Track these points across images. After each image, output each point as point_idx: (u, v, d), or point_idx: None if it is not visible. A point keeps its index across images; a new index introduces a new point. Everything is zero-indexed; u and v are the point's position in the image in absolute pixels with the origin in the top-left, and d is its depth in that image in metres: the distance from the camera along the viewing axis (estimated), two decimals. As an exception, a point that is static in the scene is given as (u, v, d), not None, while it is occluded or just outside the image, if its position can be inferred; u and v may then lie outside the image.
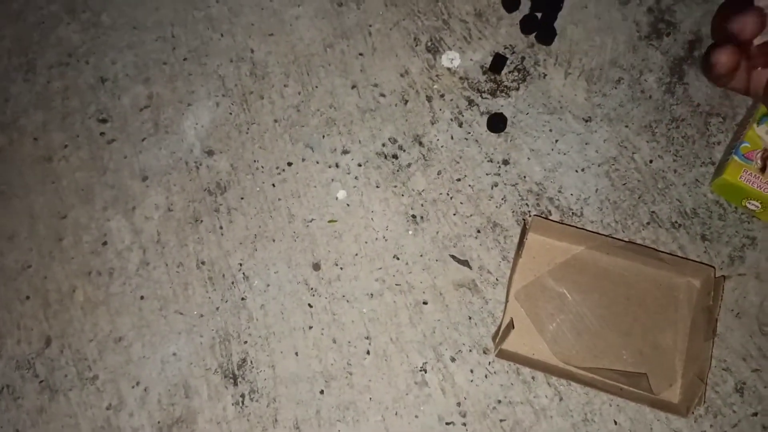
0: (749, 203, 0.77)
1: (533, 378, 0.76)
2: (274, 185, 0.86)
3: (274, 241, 0.83)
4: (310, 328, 0.79)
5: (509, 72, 0.89)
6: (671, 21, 0.91)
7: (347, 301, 0.80)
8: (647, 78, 0.88)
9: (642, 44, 0.90)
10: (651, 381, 0.73)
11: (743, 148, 0.77)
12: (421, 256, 0.82)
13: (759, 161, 0.77)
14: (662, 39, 0.90)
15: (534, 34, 0.91)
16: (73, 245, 0.85)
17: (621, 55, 0.89)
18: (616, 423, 0.74)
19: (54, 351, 0.80)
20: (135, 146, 0.89)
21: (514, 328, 0.73)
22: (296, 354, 0.79)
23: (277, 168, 0.87)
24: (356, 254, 0.82)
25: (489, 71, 0.87)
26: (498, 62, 0.87)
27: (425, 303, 0.80)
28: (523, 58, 0.90)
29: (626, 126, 0.86)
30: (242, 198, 0.85)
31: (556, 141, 0.86)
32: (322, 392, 0.77)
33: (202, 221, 0.85)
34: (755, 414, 0.74)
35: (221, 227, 0.84)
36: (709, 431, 0.74)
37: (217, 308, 0.81)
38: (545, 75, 0.89)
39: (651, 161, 0.84)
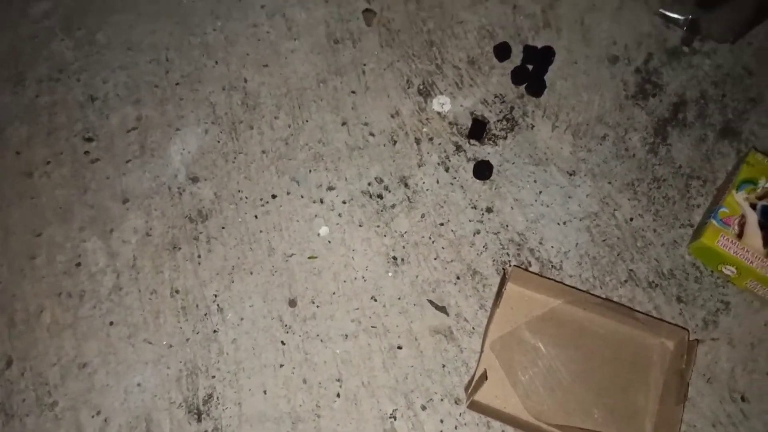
0: (725, 268, 0.78)
1: None
2: (256, 217, 0.85)
3: (251, 273, 0.82)
4: (281, 366, 0.78)
5: (498, 121, 0.90)
6: (658, 83, 0.93)
7: (321, 340, 0.79)
8: (632, 137, 0.90)
9: (628, 103, 0.92)
10: (620, 442, 0.73)
11: (722, 212, 0.78)
12: (399, 299, 0.81)
13: (736, 227, 0.78)
14: (648, 99, 0.92)
15: (524, 86, 0.92)
16: (46, 264, 0.83)
17: (607, 112, 0.91)
18: (583, 483, 0.73)
19: (14, 373, 0.78)
20: (119, 168, 0.88)
21: (487, 379, 0.73)
22: (265, 392, 0.77)
23: (261, 200, 0.86)
24: (334, 293, 0.81)
25: (468, 138, 0.88)
26: (477, 129, 0.88)
27: (400, 348, 0.79)
28: (512, 108, 0.91)
29: (609, 182, 0.87)
30: (223, 228, 0.85)
31: (540, 192, 0.86)
32: (288, 433, 0.75)
33: (180, 248, 0.84)
34: (722, 482, 0.74)
35: (199, 256, 0.83)
36: (675, 497, 0.73)
37: (188, 339, 0.79)
38: (533, 126, 0.90)
39: (631, 219, 0.85)
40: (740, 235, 0.78)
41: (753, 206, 0.78)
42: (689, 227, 0.85)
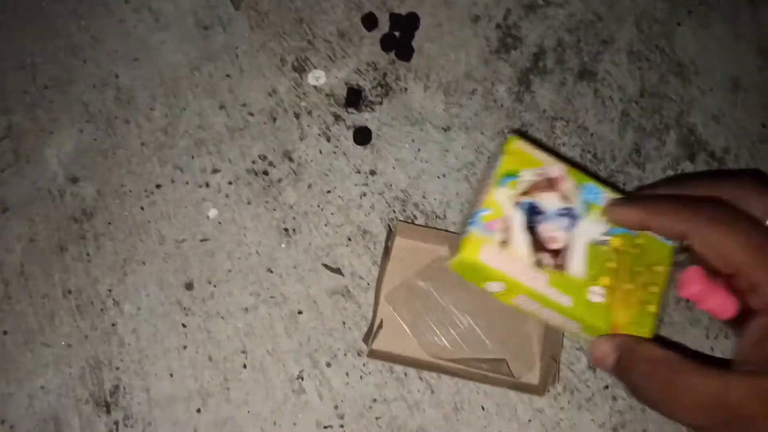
0: (489, 285, 0.57)
1: (405, 374, 0.79)
2: (143, 208, 0.86)
3: (144, 264, 0.83)
4: (185, 347, 0.79)
5: (372, 87, 0.94)
6: (517, 36, 0.99)
7: (222, 317, 0.81)
8: (498, 88, 0.95)
9: (492, 58, 0.97)
10: (512, 366, 0.78)
11: (484, 216, 0.55)
12: (295, 267, 0.84)
13: (500, 233, 0.55)
14: (510, 52, 0.98)
15: (394, 52, 0.96)
16: (-74, 284, 0.81)
17: (474, 68, 0.96)
18: (483, 408, 0.78)
19: None
20: (-7, 178, 0.86)
21: (382, 328, 0.77)
22: (171, 375, 0.78)
23: (146, 191, 0.86)
24: (229, 270, 0.83)
25: (345, 107, 0.91)
26: (353, 97, 0.92)
27: (300, 312, 0.81)
28: (385, 74, 0.95)
29: (481, 133, 0.92)
30: (110, 223, 0.85)
31: (419, 150, 0.91)
32: (198, 411, 0.77)
33: (67, 250, 0.83)
34: (606, 387, 0.81)
35: (88, 254, 0.83)
36: (567, 407, 0.79)
37: (86, 336, 0.79)
38: (406, 89, 0.94)
39: (505, 164, 0.91)
40: (505, 243, 0.55)
41: (517, 205, 0.56)
42: (558, 164, 0.91)
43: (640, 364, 0.46)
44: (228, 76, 0.94)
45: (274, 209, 0.87)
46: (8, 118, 0.90)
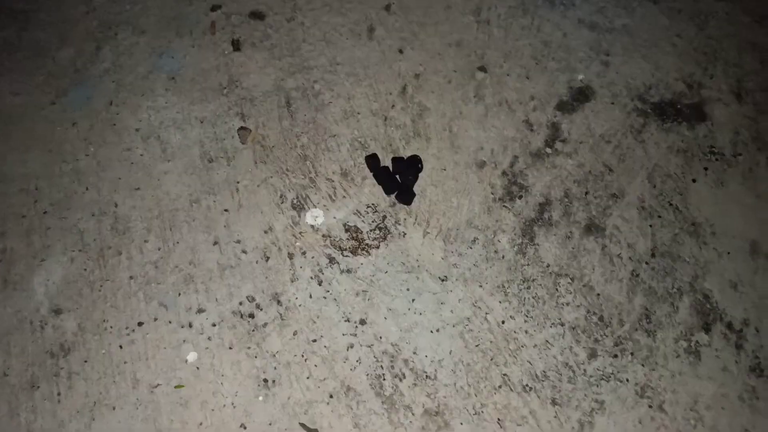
0: None
1: None
2: (121, 347, 0.83)
3: (114, 409, 0.79)
4: None
5: (371, 230, 0.92)
6: (523, 184, 0.97)
7: (185, 477, 0.75)
8: (501, 239, 0.92)
9: (496, 206, 0.95)
10: None
11: None
12: (270, 424, 0.79)
13: None
14: (515, 201, 0.95)
15: (395, 194, 0.95)
16: None
17: (476, 215, 0.94)
18: None
19: None
20: (-23, 304, 0.85)
21: None
22: None
23: (127, 328, 0.84)
24: (201, 423, 0.78)
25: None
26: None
27: (269, 478, 0.75)
28: (384, 217, 0.93)
29: (480, 286, 0.88)
30: (86, 361, 0.82)
31: (413, 300, 0.87)
32: None
33: (38, 387, 0.80)
34: None
35: (59, 394, 0.79)
36: None
37: (41, 489, 0.74)
38: (405, 234, 0.92)
39: (503, 322, 0.86)
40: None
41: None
42: (560, 326, 0.86)
43: None
44: (226, 210, 0.93)
45: (256, 356, 0.83)
46: (3, 242, 0.90)
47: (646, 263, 0.91)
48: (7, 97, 1.02)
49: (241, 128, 1.00)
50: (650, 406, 0.81)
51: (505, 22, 1.09)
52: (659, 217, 0.95)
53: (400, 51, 1.07)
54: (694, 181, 0.98)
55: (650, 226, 0.94)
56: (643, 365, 0.83)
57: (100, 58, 1.05)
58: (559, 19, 1.10)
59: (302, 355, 0.83)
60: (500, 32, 1.08)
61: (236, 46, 1.07)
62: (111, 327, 0.84)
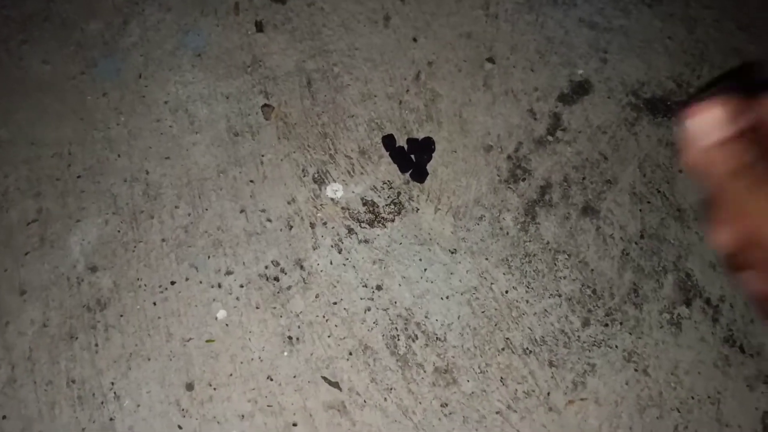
0: None
1: (392, 501, 0.79)
2: (155, 303, 0.89)
3: (149, 360, 0.85)
4: (177, 450, 0.80)
5: (386, 205, 0.99)
6: (527, 168, 1.05)
7: (218, 422, 0.82)
8: (505, 217, 1.00)
9: (501, 187, 1.03)
10: None
11: None
12: (294, 377, 0.86)
13: None
14: (519, 183, 1.03)
15: (409, 173, 1.02)
16: (-65, 360, 0.83)
17: (483, 195, 1.02)
18: None
19: None
20: (17, 260, 0.90)
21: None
22: (160, 478, 0.78)
23: (160, 286, 0.90)
24: (231, 374, 0.85)
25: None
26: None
27: (295, 425, 0.83)
28: (399, 193, 1.00)
29: (486, 259, 0.96)
30: (122, 315, 0.87)
31: (425, 270, 0.94)
32: None
33: (77, 338, 0.85)
34: None
35: (96, 345, 0.85)
36: None
37: (83, 429, 0.80)
38: (418, 209, 0.99)
39: (507, 292, 0.94)
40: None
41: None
42: (557, 297, 0.95)
43: None
44: (251, 181, 0.99)
45: (281, 316, 0.90)
46: (39, 202, 0.95)
47: (636, 243, 1.00)
48: (38, 66, 1.06)
49: (265, 105, 1.06)
50: (636, 370, 0.91)
51: (511, 17, 1.17)
52: (648, 202, 1.05)
53: (414, 39, 1.14)
54: (680, 171, 1.08)
55: (640, 210, 1.04)
56: (630, 334, 0.92)
57: (128, 32, 1.10)
58: (562, 17, 1.19)
59: (323, 316, 0.90)
60: (507, 26, 1.16)
61: (259, 27, 1.13)
62: (145, 285, 0.90)
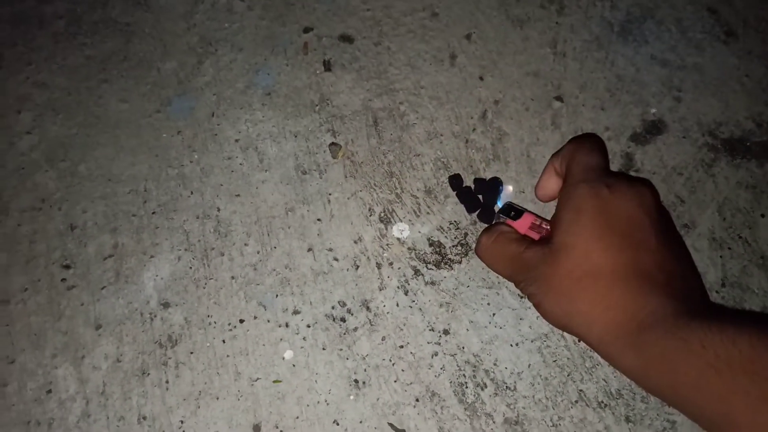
0: None
1: None
2: (224, 341, 0.89)
3: (217, 399, 0.85)
4: (244, 494, 0.80)
5: (453, 246, 0.98)
6: (598, 210, 1.02)
7: (284, 466, 0.81)
8: (576, 261, 0.97)
9: (572, 229, 1.00)
10: None
11: None
12: (361, 422, 0.84)
13: None
14: (590, 226, 1.00)
15: (476, 213, 1.00)
16: (17, 391, 0.85)
17: (554, 238, 0.99)
18: None
19: None
20: (93, 294, 0.92)
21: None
22: None
23: (229, 324, 0.90)
24: (297, 417, 0.84)
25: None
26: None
27: (361, 472, 0.81)
28: (466, 234, 0.99)
29: (557, 305, 0.93)
30: (192, 353, 0.88)
31: (493, 314, 0.92)
32: None
33: (149, 374, 0.87)
34: None
35: (167, 381, 0.86)
36: None
37: (153, 468, 0.81)
38: (486, 251, 0.97)
39: (579, 340, 0.91)
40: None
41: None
42: (633, 347, 0.91)
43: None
44: (319, 220, 1.00)
45: (347, 358, 0.89)
46: (115, 237, 0.97)
47: (716, 292, 0.96)
48: (116, 104, 1.10)
49: (332, 144, 1.07)
50: (719, 429, 0.85)
51: (580, 55, 1.15)
52: (729, 248, 1.00)
53: (481, 78, 1.13)
54: (762, 216, 1.03)
55: (720, 257, 0.99)
56: (712, 389, 0.87)
57: (202, 71, 1.13)
58: (632, 54, 1.16)
59: (390, 360, 0.89)
60: (575, 64, 1.14)
61: (327, 66, 1.14)
62: (215, 322, 0.91)
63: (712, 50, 1.16)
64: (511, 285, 0.96)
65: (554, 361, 0.89)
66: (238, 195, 1.01)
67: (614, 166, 1.05)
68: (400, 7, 1.21)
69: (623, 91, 1.11)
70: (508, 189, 1.01)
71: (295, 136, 1.07)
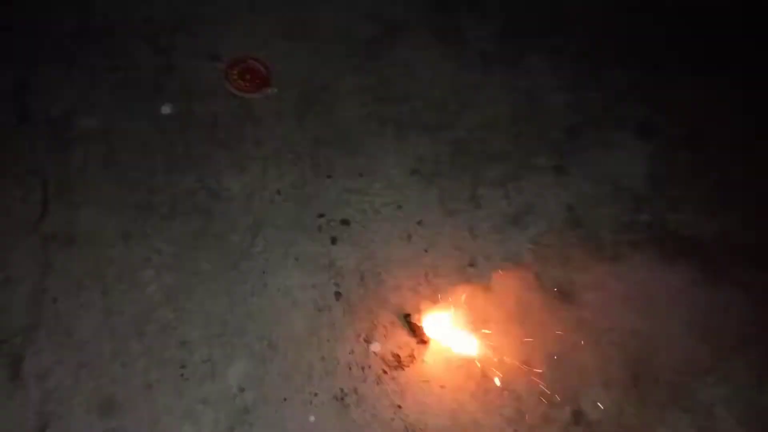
0: None
1: None
2: None
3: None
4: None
5: (407, 356, 1.69)
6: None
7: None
8: None
9: None
10: None
11: None
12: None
13: None
14: None
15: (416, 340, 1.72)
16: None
17: None
18: None
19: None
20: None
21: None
22: None
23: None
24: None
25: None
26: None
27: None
28: (412, 350, 1.70)
29: None
30: None
31: (428, 398, 1.62)
32: None
33: None
34: None
35: (242, 435, 1.53)
36: None
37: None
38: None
39: None
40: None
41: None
42: None
43: None
44: (328, 340, 1.70)
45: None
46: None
47: None
48: (204, 264, 1.82)
49: (336, 292, 1.80)
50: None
51: (488, 236, 1.91)
52: None
53: (426, 251, 1.88)
54: None
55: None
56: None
57: (255, 244, 1.86)
58: (518, 235, 1.93)
59: (368, 424, 1.57)
60: (484, 242, 1.90)
61: (333, 241, 1.89)
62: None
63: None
64: (439, 380, 1.66)
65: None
66: (279, 323, 1.72)
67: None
68: (379, 201, 1.98)
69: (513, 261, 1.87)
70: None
71: (314, 287, 1.80)
